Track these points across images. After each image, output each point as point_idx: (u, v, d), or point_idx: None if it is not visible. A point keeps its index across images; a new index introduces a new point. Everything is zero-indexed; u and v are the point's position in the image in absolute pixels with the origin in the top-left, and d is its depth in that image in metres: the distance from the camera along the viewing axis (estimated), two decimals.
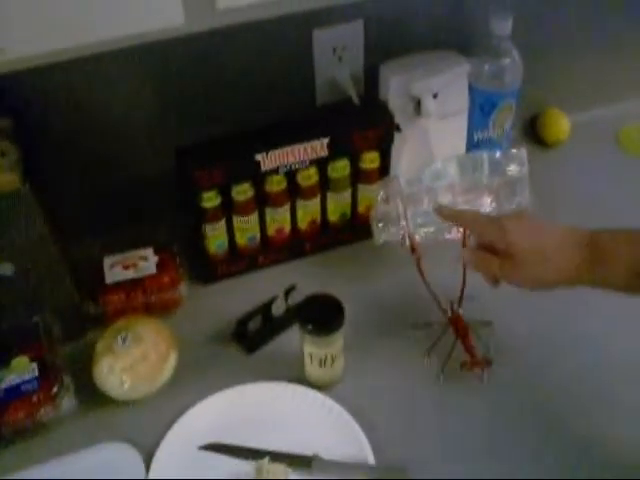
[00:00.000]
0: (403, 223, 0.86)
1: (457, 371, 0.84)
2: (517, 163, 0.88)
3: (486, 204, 0.89)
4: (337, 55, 0.98)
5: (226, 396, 0.82)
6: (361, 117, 0.95)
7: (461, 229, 0.83)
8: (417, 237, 0.86)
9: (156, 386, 0.82)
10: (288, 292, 0.91)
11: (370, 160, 0.94)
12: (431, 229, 0.86)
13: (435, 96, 0.94)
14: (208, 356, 0.87)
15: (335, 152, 0.91)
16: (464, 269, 0.84)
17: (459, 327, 0.86)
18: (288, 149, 0.88)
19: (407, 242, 0.86)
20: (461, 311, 0.87)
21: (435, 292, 0.86)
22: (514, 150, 0.89)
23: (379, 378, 0.84)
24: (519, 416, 0.80)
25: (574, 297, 0.90)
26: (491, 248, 0.76)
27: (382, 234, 0.89)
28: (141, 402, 0.82)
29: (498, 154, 0.88)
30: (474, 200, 0.89)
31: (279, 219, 0.95)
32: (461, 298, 0.86)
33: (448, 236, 0.87)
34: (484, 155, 0.87)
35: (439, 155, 1.00)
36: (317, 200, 0.96)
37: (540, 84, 1.13)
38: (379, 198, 0.89)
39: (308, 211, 0.97)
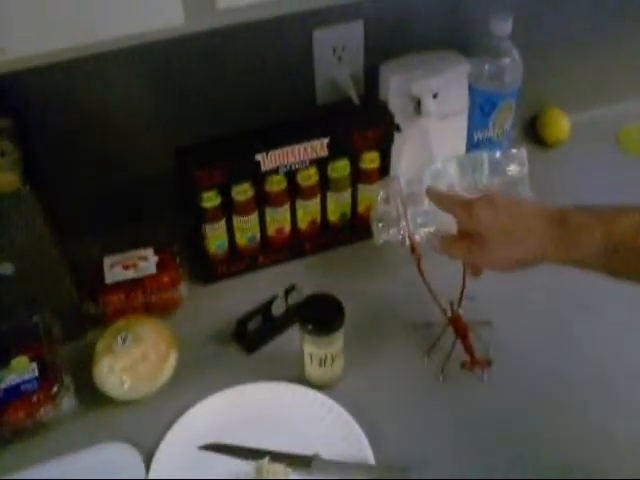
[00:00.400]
0: (403, 223, 0.85)
1: (457, 371, 0.84)
2: (517, 163, 0.88)
3: None
4: (337, 55, 0.98)
5: (226, 396, 0.82)
6: (361, 117, 0.95)
7: None
8: (417, 237, 0.86)
9: (156, 386, 0.82)
10: (288, 292, 0.91)
11: (370, 160, 0.94)
12: (431, 229, 0.86)
13: (435, 96, 0.94)
14: (208, 356, 0.87)
15: (335, 152, 0.91)
16: (464, 269, 0.84)
17: (459, 327, 0.86)
18: (288, 149, 0.88)
19: (407, 242, 0.86)
20: (461, 311, 0.87)
21: (435, 292, 0.86)
22: (514, 150, 0.88)
23: (379, 378, 0.84)
24: (519, 416, 0.80)
25: (575, 298, 0.90)
26: (468, 234, 0.75)
27: (382, 234, 0.88)
28: (141, 402, 0.82)
29: (498, 154, 0.88)
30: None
31: (279, 219, 0.95)
32: (461, 298, 0.86)
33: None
34: (484, 155, 0.87)
35: (439, 155, 1.00)
36: (317, 200, 0.96)
37: (540, 84, 1.13)
38: (379, 198, 0.89)
39: (308, 211, 0.97)
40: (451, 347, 0.85)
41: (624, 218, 0.64)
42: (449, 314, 0.87)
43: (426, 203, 0.85)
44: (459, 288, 0.85)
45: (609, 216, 0.65)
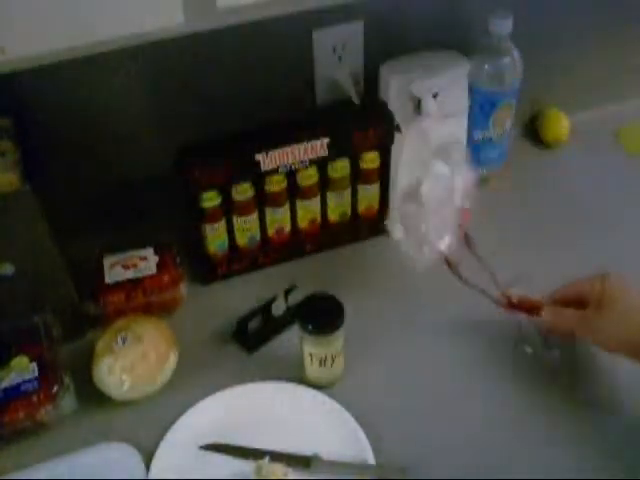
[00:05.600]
0: (431, 245, 0.84)
1: (459, 371, 0.84)
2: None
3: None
4: (337, 55, 0.98)
5: (226, 396, 0.82)
6: (361, 117, 0.95)
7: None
8: (442, 247, 0.85)
9: (156, 386, 0.82)
10: (288, 292, 0.91)
11: (370, 160, 0.94)
12: (451, 237, 0.85)
13: (435, 96, 0.94)
14: (208, 356, 0.87)
15: (335, 152, 0.91)
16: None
17: (523, 307, 0.83)
18: (288, 149, 0.88)
19: (442, 258, 0.84)
20: (513, 290, 0.83)
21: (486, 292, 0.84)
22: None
23: (379, 378, 0.84)
24: (521, 416, 0.80)
25: None
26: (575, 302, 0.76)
27: (419, 262, 0.85)
28: (141, 402, 0.82)
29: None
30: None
31: (279, 219, 0.95)
32: (497, 283, 0.83)
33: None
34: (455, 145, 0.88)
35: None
36: (317, 200, 0.96)
37: (540, 84, 1.13)
38: (405, 231, 0.87)
39: (308, 211, 0.97)
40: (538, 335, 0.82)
41: None
42: (514, 301, 0.83)
43: (439, 214, 0.84)
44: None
45: None
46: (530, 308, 0.83)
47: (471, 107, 1.01)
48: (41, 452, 0.77)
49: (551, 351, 0.83)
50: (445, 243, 0.85)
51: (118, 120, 0.93)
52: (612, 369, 0.82)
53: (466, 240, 0.85)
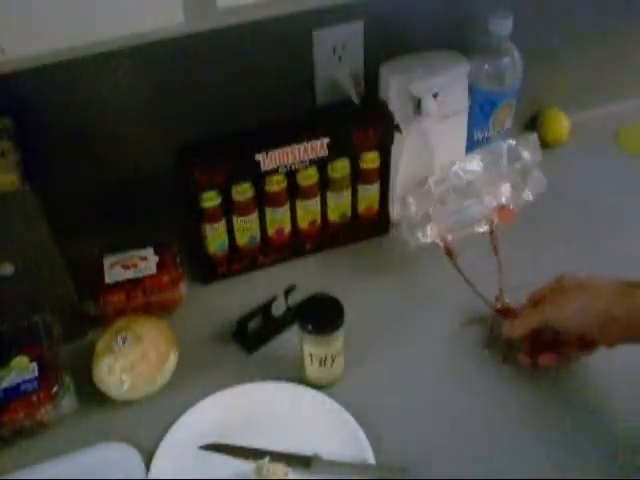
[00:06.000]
0: (435, 226, 0.86)
1: (459, 371, 0.84)
2: (530, 149, 0.89)
3: (505, 192, 0.91)
4: (337, 55, 0.98)
5: (226, 396, 0.82)
6: (361, 117, 0.95)
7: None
8: (449, 237, 0.87)
9: (156, 386, 0.82)
10: (288, 292, 0.91)
11: (370, 160, 0.94)
12: (461, 228, 0.88)
13: (435, 96, 0.94)
14: (208, 356, 0.87)
15: (335, 152, 0.91)
16: (499, 263, 0.86)
17: (512, 316, 0.85)
18: (288, 149, 0.88)
19: (441, 244, 0.87)
20: (507, 300, 0.86)
21: (476, 287, 0.86)
22: (527, 137, 0.90)
23: (379, 378, 0.84)
24: (521, 415, 0.80)
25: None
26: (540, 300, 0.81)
27: (414, 239, 0.89)
28: (141, 402, 0.82)
29: (513, 142, 0.89)
30: (495, 190, 0.90)
31: (279, 219, 0.95)
32: (501, 290, 0.87)
33: (479, 230, 0.90)
34: (503, 145, 0.88)
35: (439, 155, 1.00)
36: (317, 200, 0.96)
37: (540, 84, 1.13)
38: (409, 204, 0.89)
39: (308, 211, 0.97)
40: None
41: None
42: (498, 306, 0.86)
43: (454, 203, 0.87)
44: (492, 284, 0.86)
45: None
46: (511, 316, 0.85)
47: (471, 107, 1.01)
48: (41, 452, 0.77)
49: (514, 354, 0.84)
50: (450, 234, 0.87)
51: (118, 120, 0.93)
52: (611, 369, 0.82)
53: (491, 236, 0.87)
